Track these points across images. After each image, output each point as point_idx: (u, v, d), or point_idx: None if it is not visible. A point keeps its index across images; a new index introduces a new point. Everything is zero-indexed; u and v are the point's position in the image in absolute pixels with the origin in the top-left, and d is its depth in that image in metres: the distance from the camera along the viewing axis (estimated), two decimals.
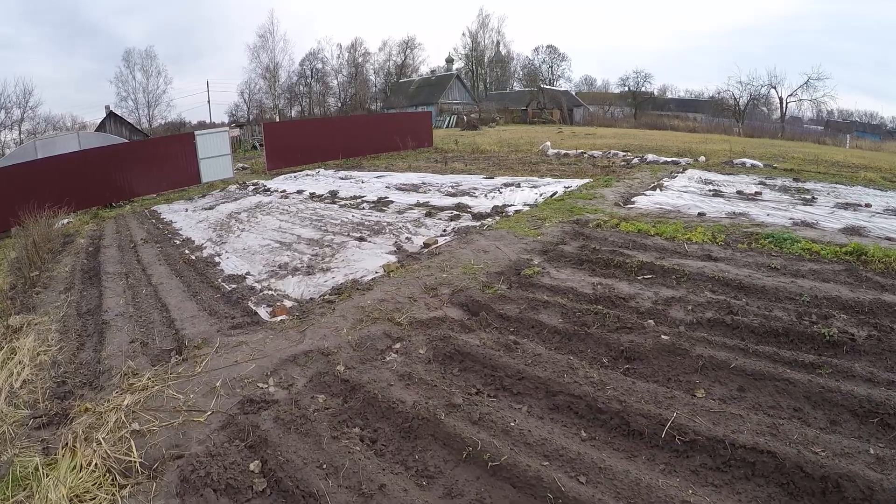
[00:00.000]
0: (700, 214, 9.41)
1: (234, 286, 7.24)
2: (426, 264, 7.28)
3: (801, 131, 40.54)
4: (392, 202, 12.06)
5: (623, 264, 6.71)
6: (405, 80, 69.68)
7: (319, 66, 66.53)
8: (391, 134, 26.42)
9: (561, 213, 10.01)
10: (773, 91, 39.35)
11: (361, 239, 8.94)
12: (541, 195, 11.68)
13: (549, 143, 23.66)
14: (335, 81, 68.63)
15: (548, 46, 70.07)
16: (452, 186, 13.80)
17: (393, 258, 7.67)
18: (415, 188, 14.09)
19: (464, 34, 74.09)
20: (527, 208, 10.45)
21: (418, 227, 9.48)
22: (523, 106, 53.32)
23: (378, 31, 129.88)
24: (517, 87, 71.38)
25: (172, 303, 6.92)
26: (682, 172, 15.15)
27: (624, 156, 20.26)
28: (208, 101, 57.51)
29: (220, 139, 20.26)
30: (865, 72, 70.96)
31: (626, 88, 61.07)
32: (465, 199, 11.58)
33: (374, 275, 7.05)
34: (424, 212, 10.66)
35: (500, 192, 12.52)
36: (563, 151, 22.19)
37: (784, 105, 39.04)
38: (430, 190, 13.57)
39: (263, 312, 6.01)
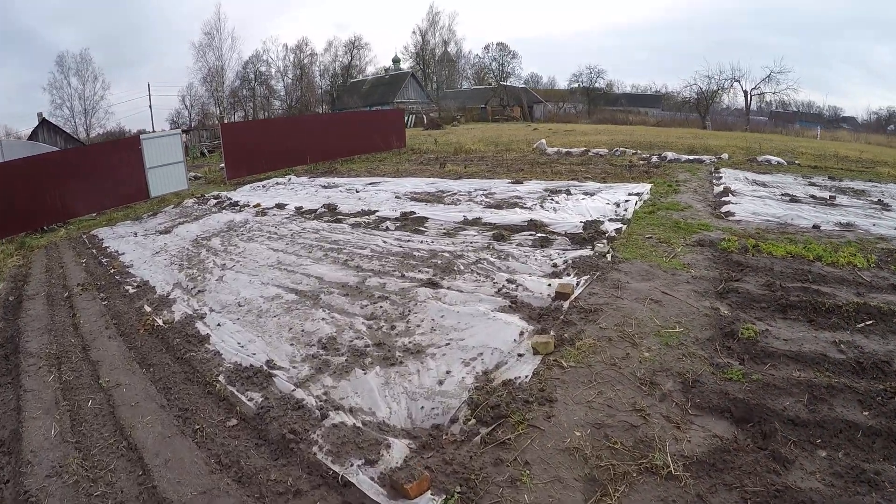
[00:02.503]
0: (815, 227, 7.65)
1: (258, 397, 3.99)
2: (596, 333, 4.35)
3: (755, 123, 40.09)
4: (425, 219, 8.93)
5: (836, 308, 4.75)
6: (357, 79, 65.66)
7: (263, 68, 61.43)
8: (365, 135, 23.06)
9: (672, 231, 7.54)
10: (736, 84, 38.57)
11: (433, 284, 5.83)
12: (617, 206, 9.02)
13: (544, 141, 21.14)
14: (280, 84, 63.63)
15: (498, 44, 67.79)
16: (485, 195, 10.82)
17: (519, 320, 4.65)
18: (436, 198, 11.02)
19: (414, 32, 70.02)
20: (622, 226, 7.70)
21: (504, 260, 6.46)
22: (481, 104, 50.72)
23: (324, 30, 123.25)
24: (465, 85, 68.85)
25: (149, 443, 3.64)
26: (719, 173, 13.19)
27: (634, 153, 18.04)
28: (150, 106, 50.35)
29: (171, 144, 16.26)
30: (793, 62, 73.23)
31: (578, 84, 59.91)
32: (523, 213, 8.69)
33: (515, 358, 4.03)
34: (490, 234, 7.64)
35: (555, 202, 9.72)
36: (564, 150, 19.70)
37: (749, 98, 38.34)
38: (459, 201, 10.54)
39: (367, 482, 2.87)
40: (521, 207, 9.48)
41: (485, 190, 11.43)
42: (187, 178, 17.28)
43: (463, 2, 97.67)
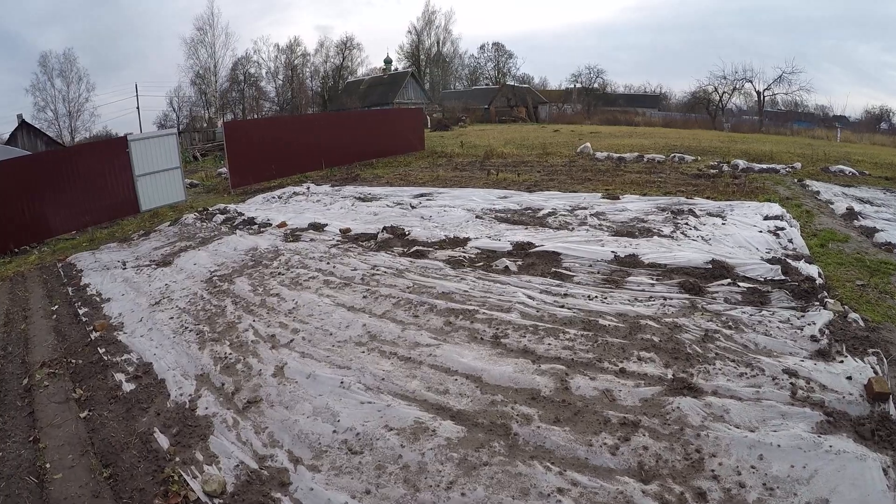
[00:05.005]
0: None
1: None
2: None
3: (753, 123, 38.01)
4: (557, 255, 6.04)
5: None
6: (352, 80, 62.33)
7: (253, 69, 57.53)
8: (383, 136, 20.07)
9: (867, 273, 5.81)
10: (748, 84, 36.45)
11: (689, 387, 3.00)
12: (773, 234, 6.83)
13: (589, 145, 18.56)
14: (271, 85, 59.78)
15: (494, 44, 65.15)
16: (595, 216, 8.08)
17: (857, 446, 2.74)
18: (533, 219, 8.21)
19: (409, 31, 66.66)
20: (813, 266, 5.22)
21: (738, 330, 3.73)
22: (484, 104, 47.85)
23: (311, 31, 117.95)
24: (458, 86, 66.00)
25: None
26: (809, 186, 11.07)
27: (695, 160, 15.60)
28: (137, 108, 46.45)
29: (165, 146, 13.00)
30: (778, 61, 71.96)
31: (575, 84, 57.80)
32: (675, 246, 6.08)
33: None
34: (673, 283, 4.85)
35: (690, 227, 7.25)
36: (616, 155, 17.12)
37: (762, 98, 36.26)
38: (570, 224, 7.74)
39: None
40: (660, 235, 6.85)
41: (584, 207, 8.68)
42: (184, 187, 14.15)
43: (448, 1, 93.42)
